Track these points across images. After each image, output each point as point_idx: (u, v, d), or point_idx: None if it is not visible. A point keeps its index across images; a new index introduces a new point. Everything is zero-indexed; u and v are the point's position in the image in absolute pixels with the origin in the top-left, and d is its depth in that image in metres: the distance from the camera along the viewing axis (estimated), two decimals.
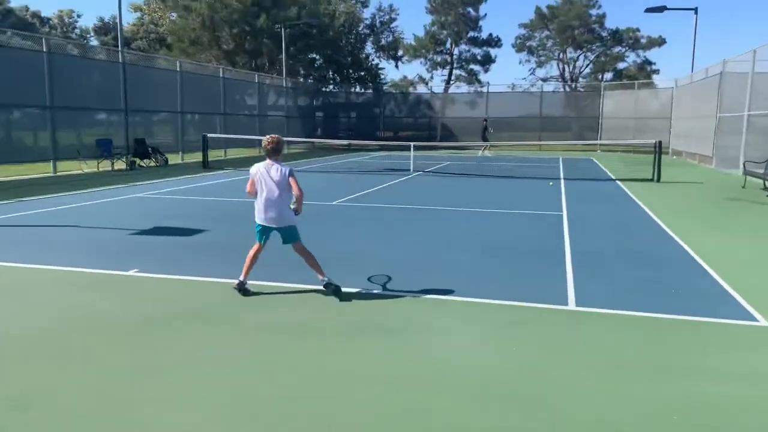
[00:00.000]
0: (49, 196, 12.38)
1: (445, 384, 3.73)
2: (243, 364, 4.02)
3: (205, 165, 19.65)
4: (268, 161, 5.46)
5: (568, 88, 39.04)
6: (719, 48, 62.03)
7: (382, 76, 50.07)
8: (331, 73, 46.10)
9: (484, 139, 30.03)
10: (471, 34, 44.09)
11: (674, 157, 27.21)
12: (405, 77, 53.28)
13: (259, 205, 5.45)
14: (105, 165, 18.95)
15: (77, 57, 19.31)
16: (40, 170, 17.48)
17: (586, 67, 43.45)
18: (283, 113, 32.41)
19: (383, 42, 50.69)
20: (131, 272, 6.25)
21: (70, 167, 18.34)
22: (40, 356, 4.14)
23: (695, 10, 25.99)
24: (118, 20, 20.96)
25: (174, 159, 22.17)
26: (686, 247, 7.65)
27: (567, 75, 43.72)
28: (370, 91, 41.62)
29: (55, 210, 10.52)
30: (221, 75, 26.58)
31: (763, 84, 17.35)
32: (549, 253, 7.30)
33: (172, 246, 7.62)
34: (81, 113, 19.15)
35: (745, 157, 17.78)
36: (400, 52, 49.90)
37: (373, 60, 50.60)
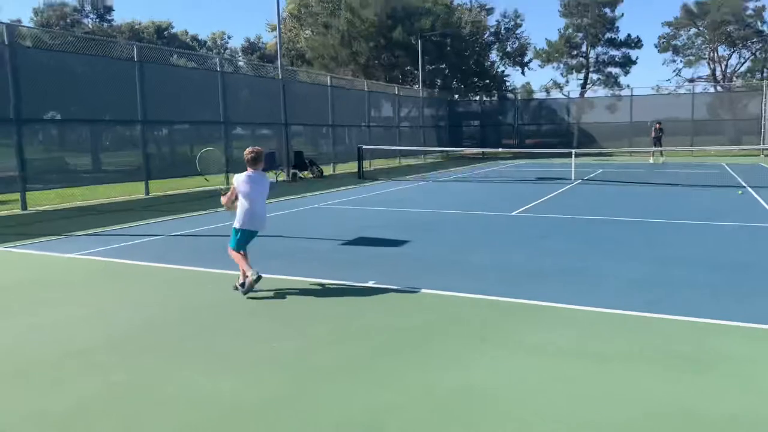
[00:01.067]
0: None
1: None
2: (582, 392, 3.90)
3: (361, 176, 20.22)
4: (251, 171, 5.92)
5: (720, 89, 36.07)
6: None
7: (508, 83, 49.44)
8: (455, 82, 46.07)
9: (657, 145, 27.38)
10: (608, 35, 42.17)
11: None
12: (527, 83, 52.17)
13: (250, 212, 5.90)
14: (269, 176, 20.08)
15: (246, 75, 20.62)
16: (216, 183, 18.75)
17: (742, 65, 40.05)
18: (419, 123, 32.77)
19: (509, 48, 50.01)
20: (370, 283, 6.41)
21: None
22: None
23: None
24: (277, 41, 22.16)
25: (327, 170, 23.05)
26: None
27: (719, 74, 40.47)
28: (495, 98, 41.04)
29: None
30: (365, 89, 27.33)
31: None
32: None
33: (389, 258, 7.77)
34: (247, 127, 20.47)
35: None
36: (526, 58, 48.98)
37: (498, 67, 50.10)
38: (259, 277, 5.82)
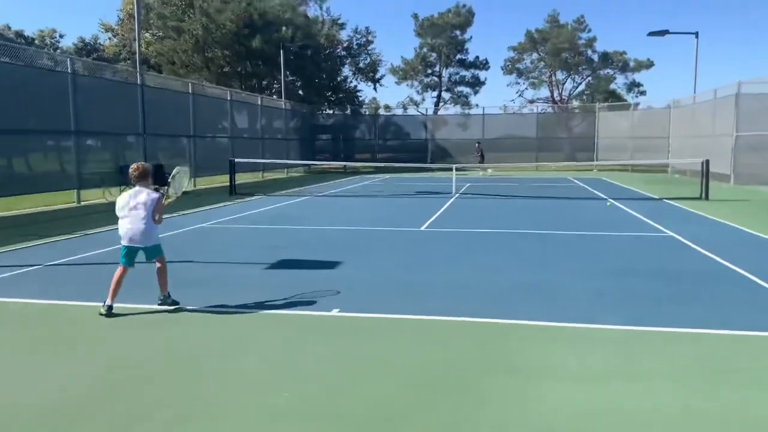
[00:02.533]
0: (106, 228, 11.48)
1: None
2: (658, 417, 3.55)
3: (233, 191, 18.86)
4: (136, 187, 5.77)
5: (558, 110, 39.73)
6: (706, 71, 65.29)
7: (361, 98, 50.27)
8: (313, 95, 45.70)
9: (481, 161, 30.05)
10: (459, 56, 44.51)
11: (676, 175, 27.86)
12: (374, 98, 53.42)
13: (124, 228, 5.66)
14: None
15: (101, 78, 18.29)
16: (63, 200, 16.34)
17: (576, 88, 44.51)
18: (283, 136, 31.79)
19: (361, 64, 50.85)
20: (335, 312, 5.68)
21: (93, 196, 17.28)
22: None
23: (696, 34, 26.91)
24: (136, 41, 20.04)
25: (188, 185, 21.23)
26: None
27: (557, 96, 44.56)
28: (348, 112, 41.28)
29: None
30: (228, 98, 25.83)
31: None
32: (719, 277, 7.07)
33: (332, 281, 7.04)
34: (103, 138, 18.19)
35: None
36: (378, 74, 50.12)
37: (351, 82, 50.73)
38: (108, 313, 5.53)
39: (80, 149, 16.78)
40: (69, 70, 16.35)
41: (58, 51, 44.30)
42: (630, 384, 4.01)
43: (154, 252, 5.80)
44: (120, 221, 5.69)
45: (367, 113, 42.80)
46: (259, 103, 29.03)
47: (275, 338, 5.03)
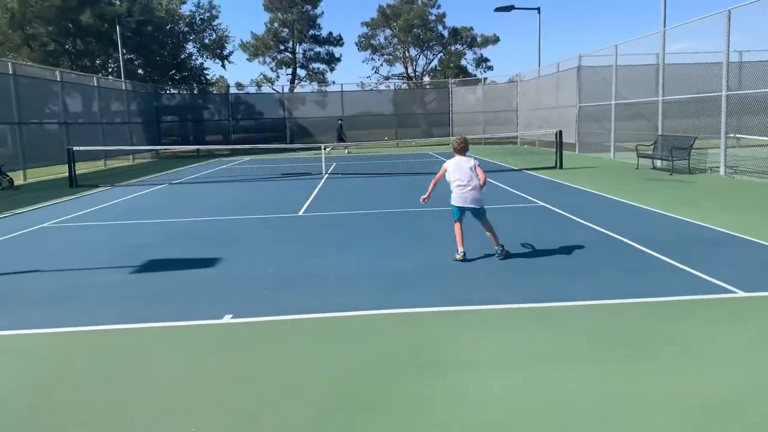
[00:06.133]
0: None
1: None
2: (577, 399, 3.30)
3: (74, 184, 16.68)
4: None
5: (413, 86, 40.37)
6: (549, 45, 69.89)
7: (209, 77, 47.59)
8: (156, 74, 42.36)
9: (340, 140, 29.31)
10: (312, 32, 43.45)
11: (525, 146, 29.61)
12: (221, 76, 50.99)
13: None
14: None
15: None
16: None
17: (429, 64, 45.41)
18: (125, 119, 29.01)
19: (206, 41, 48.00)
20: (227, 318, 4.94)
21: None
22: None
23: (538, 9, 28.50)
24: None
25: (16, 179, 18.50)
26: (704, 224, 8.20)
27: (411, 73, 45.19)
28: (197, 92, 38.86)
29: None
30: (59, 79, 22.86)
31: (624, 76, 19.54)
32: (599, 244, 7.32)
33: (213, 281, 6.22)
34: None
35: (616, 141, 19.94)
36: (226, 51, 47.65)
37: (196, 60, 47.78)
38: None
39: None
40: None
41: None
42: (551, 366, 3.82)
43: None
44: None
45: (215, 92, 40.48)
46: (95, 84, 26.10)
47: (165, 358, 4.21)
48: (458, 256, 6.54)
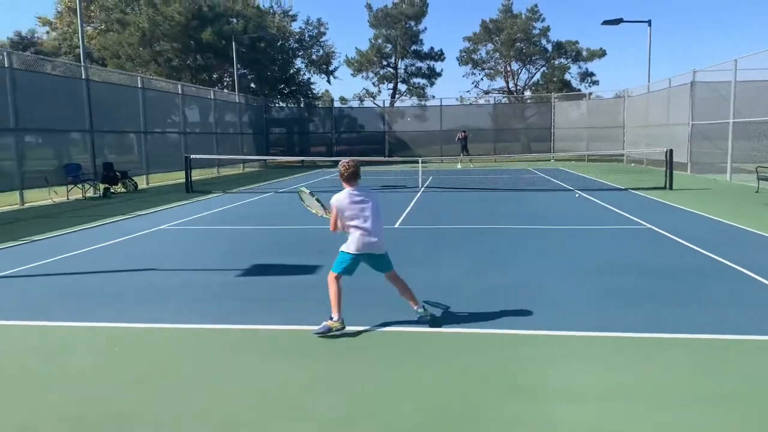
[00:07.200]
0: (53, 234, 10.63)
1: None
2: None
3: (189, 189, 17.96)
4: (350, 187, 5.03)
5: (514, 100, 39.87)
6: (659, 59, 66.88)
7: (315, 91, 49.42)
8: (266, 88, 44.64)
9: (464, 151, 29.96)
10: (414, 47, 44.13)
11: (632, 164, 28.32)
12: (326, 91, 52.70)
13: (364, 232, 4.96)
14: (74, 192, 16.93)
15: (42, 73, 17.05)
16: (5, 202, 15.17)
17: (531, 79, 44.77)
18: (238, 130, 30.81)
19: (314, 56, 49.94)
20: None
21: (38, 197, 16.16)
22: None
23: (649, 22, 27.29)
24: (79, 33, 18.82)
25: (140, 183, 20.20)
26: None
27: (512, 87, 44.73)
28: (302, 105, 40.43)
29: (88, 251, 8.94)
30: (180, 92, 24.72)
31: (744, 92, 18.28)
32: (711, 273, 6.91)
33: (312, 286, 6.52)
34: (46, 135, 17.04)
35: (732, 161, 18.67)
36: (332, 66, 49.33)
37: (304, 75, 49.79)
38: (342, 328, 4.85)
39: (22, 147, 15.64)
40: (6, 65, 15.17)
41: None
42: (646, 403, 3.66)
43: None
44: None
45: (320, 106, 41.98)
46: (212, 96, 27.98)
47: (268, 362, 4.49)
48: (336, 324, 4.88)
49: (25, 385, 4.06)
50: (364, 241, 4.91)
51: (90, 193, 17.31)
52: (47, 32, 46.00)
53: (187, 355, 4.60)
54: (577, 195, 15.26)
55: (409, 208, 13.31)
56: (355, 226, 4.92)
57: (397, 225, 10.91)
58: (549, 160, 32.59)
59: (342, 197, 4.93)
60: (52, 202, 15.93)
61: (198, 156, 19.82)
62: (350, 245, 4.95)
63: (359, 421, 3.48)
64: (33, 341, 4.97)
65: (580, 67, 42.94)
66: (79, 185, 16.96)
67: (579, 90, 41.80)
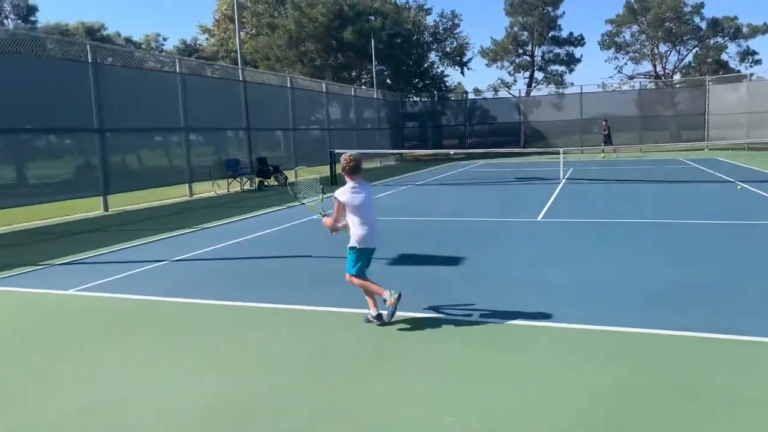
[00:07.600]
0: (220, 222, 11.83)
1: None
2: None
3: (334, 182, 18.99)
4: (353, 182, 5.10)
5: (662, 85, 37.27)
6: None
7: (448, 84, 49.50)
8: (401, 83, 45.58)
9: (607, 141, 28.56)
10: (552, 34, 42.81)
11: None
12: (458, 83, 52.32)
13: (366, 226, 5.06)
14: (233, 186, 18.60)
15: (205, 77, 18.95)
16: (175, 194, 17.05)
17: (681, 61, 41.58)
18: (375, 126, 31.88)
19: (448, 49, 50.04)
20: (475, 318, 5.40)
21: (203, 189, 17.99)
22: None
23: None
24: (236, 38, 20.61)
25: (289, 176, 21.66)
26: None
27: (660, 71, 41.88)
28: (436, 98, 40.70)
29: (253, 237, 9.86)
30: (324, 90, 26.11)
31: None
32: None
33: (461, 279, 6.77)
34: (208, 133, 18.87)
35: None
36: (465, 58, 49.14)
37: (437, 68, 50.06)
38: (399, 295, 4.99)
39: (189, 145, 17.48)
40: (177, 70, 17.02)
41: (163, 53, 46.62)
42: None
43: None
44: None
45: (453, 98, 42.06)
46: (352, 93, 29.20)
47: (437, 350, 4.81)
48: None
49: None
50: (368, 234, 5.07)
51: (247, 186, 18.94)
52: (207, 39, 50.51)
53: (355, 335, 5.04)
54: (739, 187, 14.11)
55: (551, 200, 13.12)
56: (358, 220, 5.07)
57: (539, 218, 10.84)
58: (702, 149, 30.19)
59: (345, 191, 5.09)
60: (215, 193, 17.66)
61: (341, 151, 20.83)
62: (355, 241, 5.09)
63: (526, 416, 3.67)
64: (223, 318, 5.71)
65: (739, 46, 39.12)
66: (238, 179, 18.64)
67: (738, 71, 38.11)
